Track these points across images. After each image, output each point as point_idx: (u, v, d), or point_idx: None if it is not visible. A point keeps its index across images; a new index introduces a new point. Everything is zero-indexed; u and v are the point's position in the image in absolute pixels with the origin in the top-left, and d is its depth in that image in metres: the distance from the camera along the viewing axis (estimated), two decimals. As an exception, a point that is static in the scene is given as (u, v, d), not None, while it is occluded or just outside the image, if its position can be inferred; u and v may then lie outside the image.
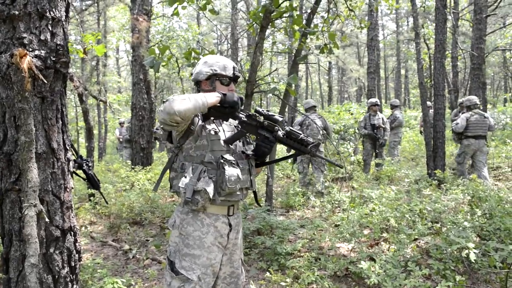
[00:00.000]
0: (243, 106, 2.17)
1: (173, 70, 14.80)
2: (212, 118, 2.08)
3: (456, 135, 7.06)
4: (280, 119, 2.07)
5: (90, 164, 4.02)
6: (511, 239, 3.53)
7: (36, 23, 2.19)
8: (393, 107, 9.71)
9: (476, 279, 3.30)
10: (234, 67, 2.18)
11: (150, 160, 8.89)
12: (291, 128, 2.08)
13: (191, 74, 2.26)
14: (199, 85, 2.20)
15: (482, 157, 6.80)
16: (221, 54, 26.08)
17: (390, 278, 2.83)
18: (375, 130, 8.20)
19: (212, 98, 1.95)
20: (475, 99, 7.04)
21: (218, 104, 1.99)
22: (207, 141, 2.05)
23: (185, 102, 1.84)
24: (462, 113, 7.20)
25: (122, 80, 24.76)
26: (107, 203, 4.49)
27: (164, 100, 1.89)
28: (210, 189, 1.96)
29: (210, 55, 2.24)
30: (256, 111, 2.08)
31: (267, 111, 2.08)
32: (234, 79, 2.20)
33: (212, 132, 2.08)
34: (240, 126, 2.11)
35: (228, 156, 2.04)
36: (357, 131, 9.68)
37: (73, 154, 2.51)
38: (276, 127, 2.07)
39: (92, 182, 4.04)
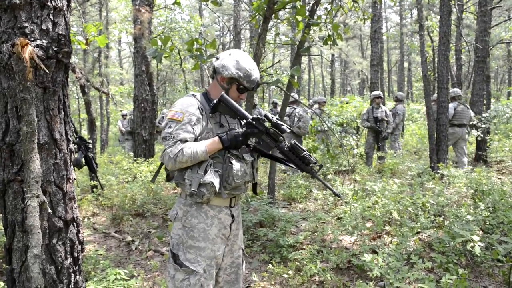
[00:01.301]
0: (245, 98, 2.15)
1: (175, 62, 14.76)
2: (219, 112, 2.06)
3: None
4: (288, 130, 2.01)
5: (90, 146, 4.00)
6: (514, 232, 3.52)
7: (37, 13, 2.16)
8: (398, 100, 9.66)
9: (479, 273, 3.29)
10: (257, 82, 2.14)
11: (152, 152, 8.89)
12: (295, 142, 2.03)
13: (213, 61, 2.18)
14: (217, 74, 2.14)
15: (464, 144, 7.51)
16: (224, 46, 25.96)
17: (393, 271, 2.83)
18: (378, 123, 8.17)
19: (213, 150, 1.98)
20: (458, 91, 7.70)
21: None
22: (213, 134, 2.04)
23: (186, 164, 1.93)
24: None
25: (124, 72, 24.70)
26: (102, 188, 4.48)
27: (166, 151, 1.93)
28: (217, 183, 1.95)
29: (244, 55, 2.14)
30: (265, 116, 2.03)
31: (277, 119, 2.02)
32: (249, 90, 2.17)
33: (218, 126, 2.07)
34: (245, 127, 2.04)
35: (234, 151, 2.03)
36: (359, 124, 9.67)
37: (72, 135, 2.49)
38: (281, 138, 2.02)
39: (90, 164, 4.02)
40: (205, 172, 1.95)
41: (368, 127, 8.28)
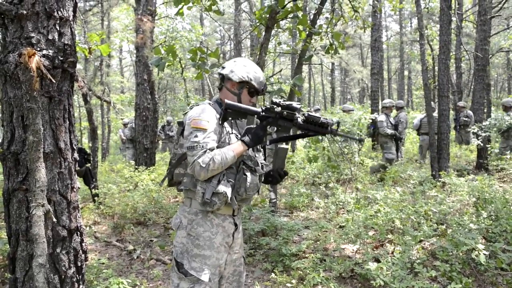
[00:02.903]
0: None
1: (176, 70, 14.82)
2: (230, 118, 2.08)
3: (416, 131, 9.01)
4: (298, 106, 2.06)
5: (89, 158, 3.98)
6: (517, 241, 3.51)
7: (44, 23, 2.18)
8: (398, 108, 9.70)
9: (483, 281, 3.28)
10: (265, 84, 2.21)
11: (153, 161, 8.90)
12: (309, 113, 2.07)
13: (219, 70, 2.22)
14: (226, 82, 2.17)
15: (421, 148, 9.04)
16: (224, 55, 26.08)
17: (397, 279, 2.82)
18: (397, 130, 8.45)
19: (240, 152, 2.00)
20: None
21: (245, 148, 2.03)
22: (228, 145, 2.05)
23: (217, 171, 1.93)
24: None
25: (125, 80, 24.80)
26: (94, 202, 4.43)
27: (197, 161, 1.89)
28: (229, 193, 1.97)
29: (249, 60, 2.23)
30: (272, 102, 2.08)
31: (284, 101, 2.08)
32: (259, 93, 2.22)
33: (233, 136, 2.08)
34: (259, 121, 2.09)
35: (249, 162, 2.05)
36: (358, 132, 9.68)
37: (76, 144, 2.50)
38: (296, 115, 2.07)
39: (85, 176, 4.00)
40: (219, 181, 1.96)
41: (391, 134, 8.36)
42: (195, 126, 1.95)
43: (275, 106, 2.06)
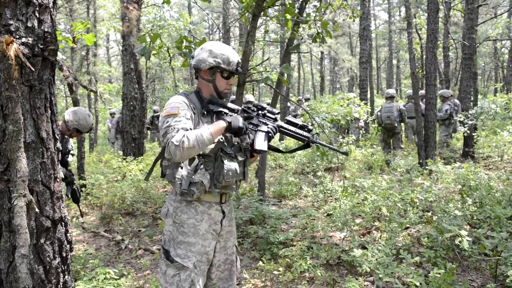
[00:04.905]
0: (235, 96, 2.18)
1: (164, 59, 14.68)
2: (212, 110, 2.08)
3: None
4: (277, 112, 2.16)
5: (73, 178, 4.12)
6: (501, 227, 3.57)
7: (22, 10, 2.12)
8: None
9: (467, 267, 3.34)
10: (238, 62, 2.14)
11: (141, 151, 8.84)
12: (288, 119, 2.15)
13: (190, 61, 2.23)
14: (199, 72, 2.14)
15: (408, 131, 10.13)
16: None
17: (382, 266, 2.85)
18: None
19: (218, 131, 1.96)
20: (409, 91, 9.79)
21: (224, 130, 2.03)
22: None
23: (193, 150, 1.85)
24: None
25: (113, 69, 24.48)
26: (82, 216, 4.57)
27: (170, 141, 1.85)
28: (207, 182, 1.97)
29: (216, 42, 2.17)
30: (255, 105, 2.16)
31: (267, 103, 2.14)
32: (235, 73, 2.18)
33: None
34: (241, 115, 2.12)
35: (227, 149, 2.04)
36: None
37: (59, 134, 2.48)
38: (276, 117, 2.14)
39: (73, 195, 4.14)
40: (195, 171, 1.96)
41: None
42: (166, 114, 1.96)
43: (254, 108, 2.15)
